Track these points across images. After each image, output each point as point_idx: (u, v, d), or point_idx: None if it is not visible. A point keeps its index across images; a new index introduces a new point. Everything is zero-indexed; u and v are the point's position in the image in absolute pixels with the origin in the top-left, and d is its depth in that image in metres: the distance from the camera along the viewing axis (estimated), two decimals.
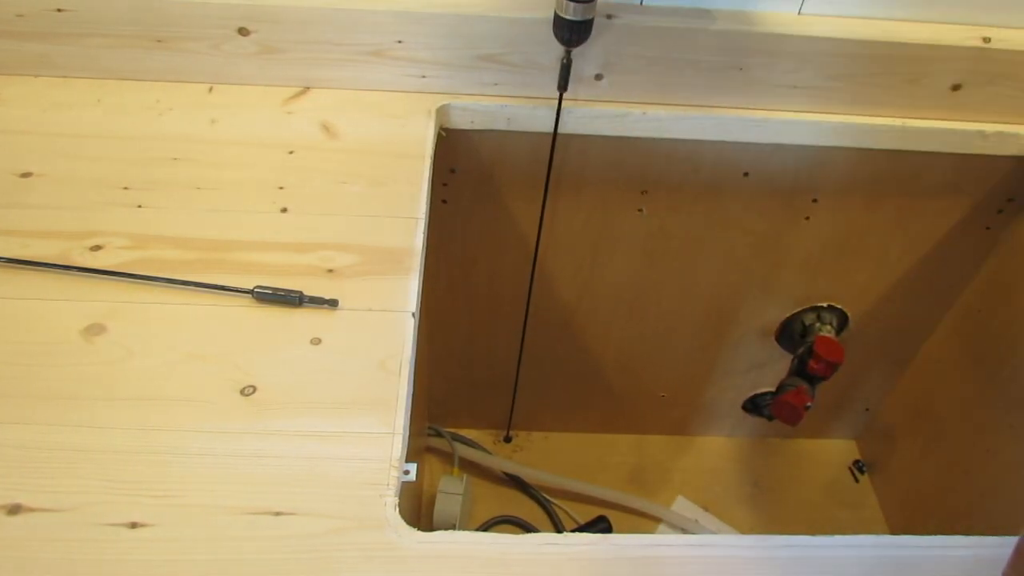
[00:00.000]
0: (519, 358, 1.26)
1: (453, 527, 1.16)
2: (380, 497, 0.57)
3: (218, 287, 0.68)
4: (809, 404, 1.18)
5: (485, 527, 1.33)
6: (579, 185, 1.01)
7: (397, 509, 0.56)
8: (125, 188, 0.76)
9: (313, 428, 0.60)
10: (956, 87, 0.90)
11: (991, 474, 1.13)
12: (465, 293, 1.18)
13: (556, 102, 0.88)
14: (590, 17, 0.78)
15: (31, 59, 0.86)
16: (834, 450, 1.49)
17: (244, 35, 0.84)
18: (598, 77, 0.89)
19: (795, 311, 1.21)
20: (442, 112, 0.89)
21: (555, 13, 0.78)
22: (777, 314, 1.22)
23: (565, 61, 0.84)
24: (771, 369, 1.32)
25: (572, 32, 0.79)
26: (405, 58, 0.87)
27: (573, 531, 1.30)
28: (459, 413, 1.42)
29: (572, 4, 0.76)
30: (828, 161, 0.97)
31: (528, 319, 1.18)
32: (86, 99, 0.86)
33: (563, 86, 0.86)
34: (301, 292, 0.67)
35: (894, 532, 1.37)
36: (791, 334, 1.24)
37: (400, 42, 0.85)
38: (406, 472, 0.59)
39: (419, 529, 0.56)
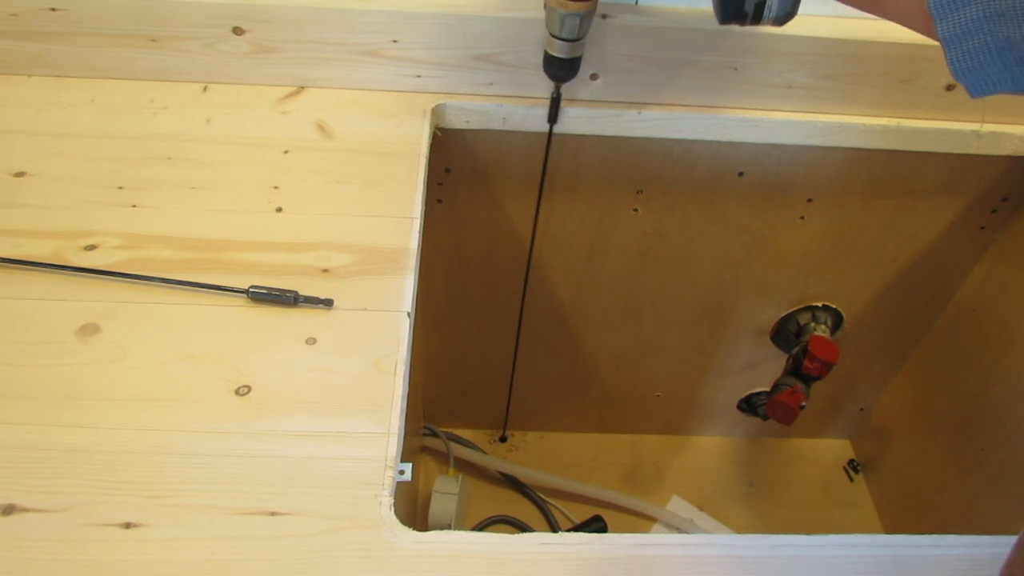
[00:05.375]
0: (515, 358, 1.26)
1: (448, 527, 1.16)
2: (375, 497, 0.57)
3: (213, 287, 0.68)
4: (804, 404, 1.19)
5: (480, 527, 1.33)
6: (574, 185, 1.01)
7: (392, 509, 0.56)
8: (119, 188, 0.76)
9: (308, 428, 0.60)
10: (950, 87, 0.90)
11: (985, 473, 1.14)
12: (460, 293, 1.18)
13: (550, 102, 0.89)
14: (578, 55, 0.81)
15: (25, 58, 0.86)
16: (829, 450, 1.49)
17: (239, 34, 0.84)
18: (593, 77, 0.89)
19: (790, 310, 1.21)
20: (437, 112, 0.89)
21: (545, 51, 0.81)
22: (772, 314, 1.22)
23: (555, 95, 0.87)
24: (766, 369, 1.32)
25: (561, 69, 0.82)
26: (400, 58, 0.87)
27: (568, 531, 1.30)
28: (454, 413, 1.42)
29: (560, 42, 0.79)
30: (823, 161, 0.97)
31: (523, 319, 1.18)
32: (80, 98, 0.85)
33: (553, 119, 0.89)
34: (296, 292, 0.67)
35: (889, 531, 1.38)
36: (786, 334, 1.24)
37: (395, 42, 0.85)
38: (401, 472, 0.59)
39: (414, 529, 0.56)
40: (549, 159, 0.95)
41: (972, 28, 0.28)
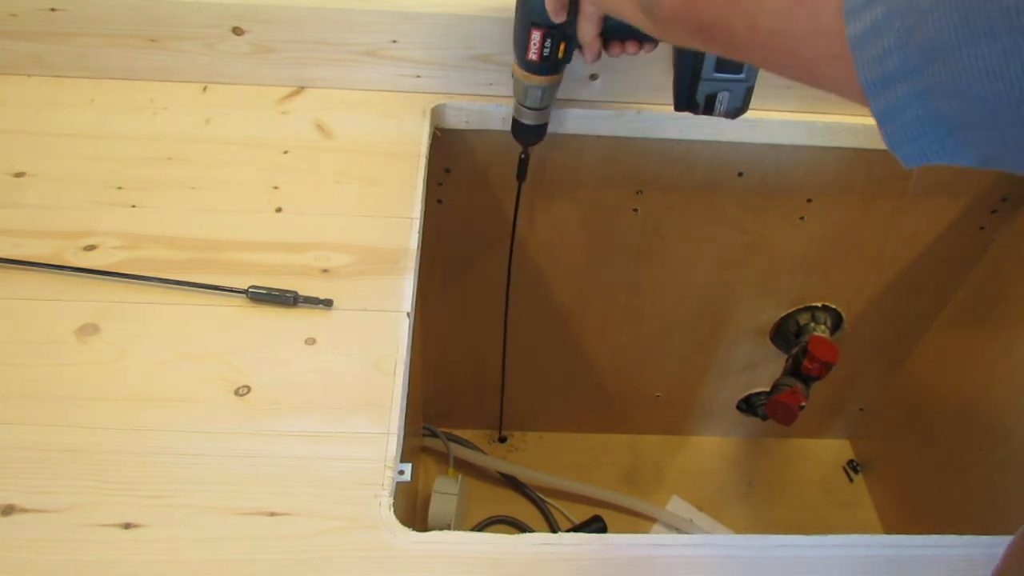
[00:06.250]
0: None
1: (448, 527, 1.16)
2: (375, 497, 0.57)
3: (212, 287, 0.68)
4: (803, 404, 1.19)
5: (480, 527, 1.33)
6: (574, 185, 1.01)
7: (392, 509, 0.56)
8: (119, 188, 0.76)
9: (308, 428, 0.60)
10: None
11: (984, 474, 1.14)
12: (460, 293, 1.18)
13: (519, 162, 0.90)
14: (544, 122, 0.84)
15: (25, 59, 0.86)
16: (828, 450, 1.49)
17: (238, 34, 0.84)
18: (593, 77, 0.89)
19: (790, 311, 1.21)
20: (437, 112, 0.89)
21: (513, 118, 0.84)
22: (772, 314, 1.22)
23: (523, 156, 0.89)
24: (765, 369, 1.32)
25: (528, 134, 0.85)
26: (400, 58, 0.87)
27: (568, 531, 1.30)
28: (454, 413, 1.42)
29: (527, 110, 0.82)
30: (823, 161, 0.97)
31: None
32: (80, 99, 0.85)
33: (522, 177, 0.91)
34: (296, 292, 0.67)
35: (888, 532, 1.38)
36: (785, 334, 1.24)
37: (395, 42, 0.85)
38: (401, 472, 0.59)
39: (414, 529, 0.56)
40: (519, 205, 0.96)
41: (904, 103, 0.29)
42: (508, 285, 1.08)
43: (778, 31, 0.35)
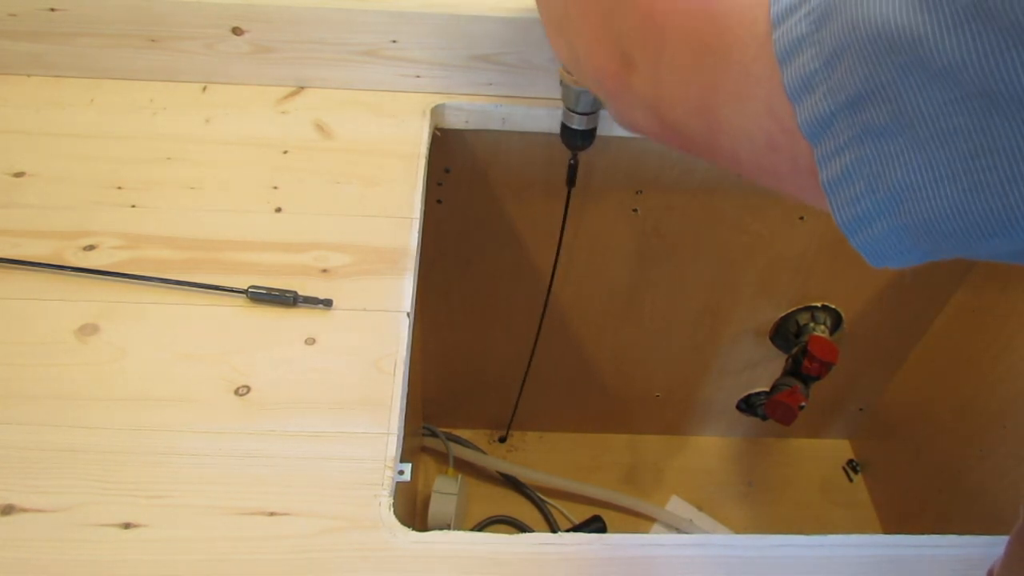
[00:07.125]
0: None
1: (448, 527, 1.16)
2: (375, 497, 0.57)
3: (212, 287, 0.68)
4: (803, 404, 1.19)
5: (480, 527, 1.33)
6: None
7: (392, 509, 0.56)
8: (119, 188, 0.76)
9: (307, 428, 0.60)
10: None
11: (984, 474, 1.14)
12: (460, 293, 1.18)
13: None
14: (595, 126, 0.84)
15: (24, 59, 0.86)
16: (828, 450, 1.49)
17: (238, 34, 0.84)
18: None
19: (789, 311, 1.21)
20: (437, 112, 0.89)
21: (562, 123, 0.84)
22: (771, 314, 1.22)
23: (572, 162, 0.90)
24: (765, 369, 1.32)
25: (579, 139, 0.85)
26: (399, 58, 0.87)
27: (568, 531, 1.30)
28: (454, 413, 1.42)
29: (578, 116, 0.82)
30: None
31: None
32: (79, 99, 0.85)
33: (571, 183, 0.92)
34: (295, 292, 0.67)
35: (887, 531, 1.38)
36: (785, 334, 1.24)
37: (394, 42, 0.85)
38: (401, 472, 0.59)
39: (414, 529, 0.56)
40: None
41: (883, 236, 0.32)
42: (549, 290, 1.08)
43: (760, 168, 0.37)
